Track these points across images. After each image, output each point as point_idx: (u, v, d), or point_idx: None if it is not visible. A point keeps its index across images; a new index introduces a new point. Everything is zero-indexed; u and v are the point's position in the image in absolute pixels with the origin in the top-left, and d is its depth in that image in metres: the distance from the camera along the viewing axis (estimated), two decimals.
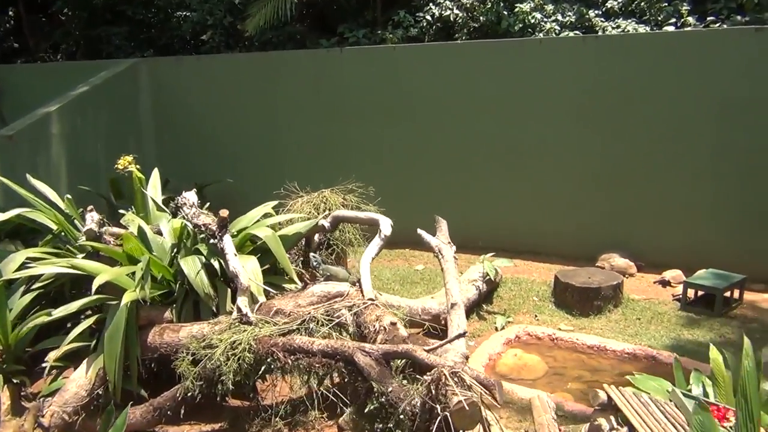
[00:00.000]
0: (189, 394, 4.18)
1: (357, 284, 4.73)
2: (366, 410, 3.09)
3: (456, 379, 2.73)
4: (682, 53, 6.94)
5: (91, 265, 4.84)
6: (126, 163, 5.67)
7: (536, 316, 6.17)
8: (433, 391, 2.73)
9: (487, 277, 6.32)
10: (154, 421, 4.35)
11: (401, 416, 2.89)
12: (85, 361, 4.48)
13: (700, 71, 6.88)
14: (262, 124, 9.23)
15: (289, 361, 3.78)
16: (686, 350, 5.32)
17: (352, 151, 8.75)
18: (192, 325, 4.56)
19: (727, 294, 6.11)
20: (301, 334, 4.19)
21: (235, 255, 4.58)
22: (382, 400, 3.03)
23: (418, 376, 3.31)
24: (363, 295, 4.54)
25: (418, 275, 7.34)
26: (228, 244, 4.61)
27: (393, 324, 4.05)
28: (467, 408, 2.64)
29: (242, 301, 4.43)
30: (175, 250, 5.12)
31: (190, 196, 5.59)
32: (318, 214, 6.23)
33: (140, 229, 5.26)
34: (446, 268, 4.60)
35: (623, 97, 7.28)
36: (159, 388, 4.55)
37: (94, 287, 4.28)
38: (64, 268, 4.82)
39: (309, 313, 4.33)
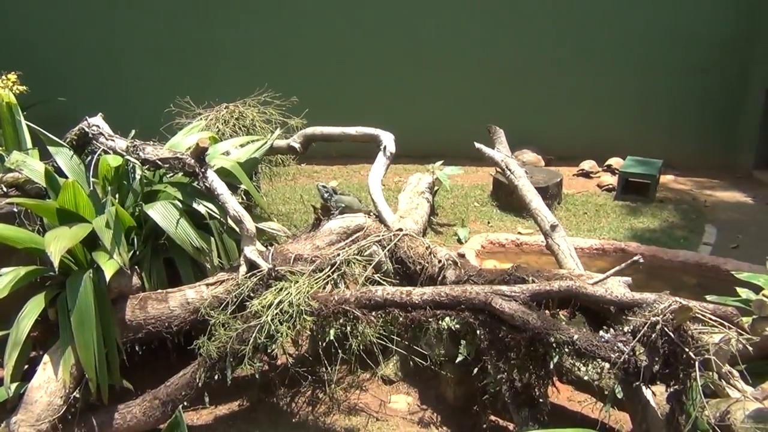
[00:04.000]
0: (215, 377, 3.38)
1: (371, 214, 4.14)
2: (551, 364, 2.70)
3: (687, 313, 2.45)
4: None
5: (10, 230, 3.61)
6: (10, 83, 4.22)
7: (488, 222, 6.09)
8: (671, 333, 2.43)
9: (435, 188, 6.02)
10: (164, 417, 3.49)
11: (606, 366, 2.57)
12: (45, 359, 3.41)
13: None
14: (95, 28, 7.60)
15: (372, 319, 3.18)
16: (644, 238, 5.63)
17: (222, 58, 7.65)
18: (183, 289, 3.68)
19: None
20: (336, 283, 3.59)
21: (231, 194, 3.70)
22: (567, 350, 2.66)
23: (562, 316, 2.99)
24: (387, 226, 4.00)
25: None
26: (217, 181, 3.71)
27: (462, 255, 3.63)
28: (725, 347, 2.41)
29: (252, 252, 3.65)
30: (117, 195, 4.00)
31: (101, 123, 4.42)
32: (235, 133, 5.38)
33: (47, 173, 4.03)
34: (521, 185, 4.19)
35: None
36: (131, 373, 3.66)
37: (55, 260, 3.16)
38: None
39: (338, 255, 3.69)
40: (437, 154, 7.09)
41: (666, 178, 7.10)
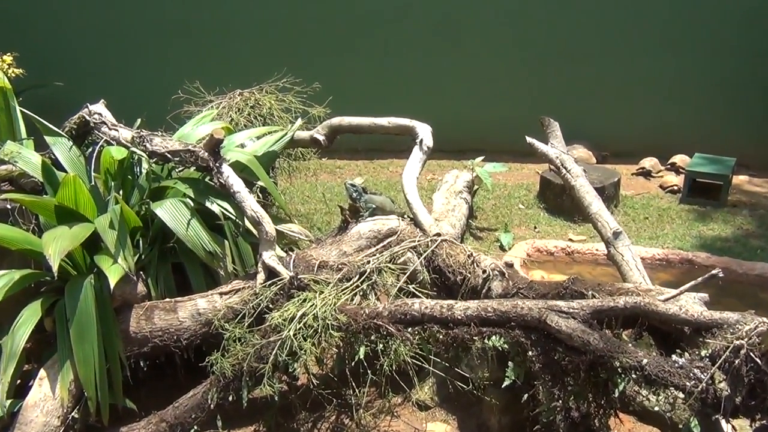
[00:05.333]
0: (229, 398, 3.39)
1: (405, 217, 4.13)
2: (616, 392, 2.66)
3: None
4: None
5: (3, 229, 3.66)
6: (5, 65, 4.27)
7: (535, 227, 6.04)
8: (758, 359, 2.38)
9: (474, 188, 5.99)
10: None
11: (679, 396, 2.52)
12: (41, 374, 3.45)
13: None
14: (96, 6, 7.69)
15: (408, 336, 3.16)
16: (714, 248, 5.54)
17: (236, 39, 7.70)
18: (194, 299, 3.71)
19: None
20: (366, 294, 3.58)
21: (250, 192, 3.71)
22: (634, 376, 2.62)
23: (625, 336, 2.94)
24: (424, 230, 3.97)
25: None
26: (233, 177, 3.72)
27: (510, 265, 3.60)
28: None
29: (271, 258, 3.65)
30: (121, 192, 4.03)
31: (103, 111, 4.46)
32: (250, 123, 5.40)
33: (45, 165, 4.06)
34: (579, 186, 4.14)
35: None
36: (135, 392, 3.67)
37: (54, 264, 3.18)
38: None
39: (368, 262, 3.68)
40: (476, 148, 7.03)
41: (739, 179, 6.98)
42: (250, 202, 3.67)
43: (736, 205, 6.41)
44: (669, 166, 7.26)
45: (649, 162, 7.23)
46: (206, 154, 3.75)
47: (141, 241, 3.91)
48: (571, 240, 5.73)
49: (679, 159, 7.20)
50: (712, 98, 7.29)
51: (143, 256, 3.87)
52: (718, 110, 7.30)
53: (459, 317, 3.08)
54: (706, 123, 7.31)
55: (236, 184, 3.71)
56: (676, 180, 6.82)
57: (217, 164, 3.74)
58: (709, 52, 7.17)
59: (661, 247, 5.52)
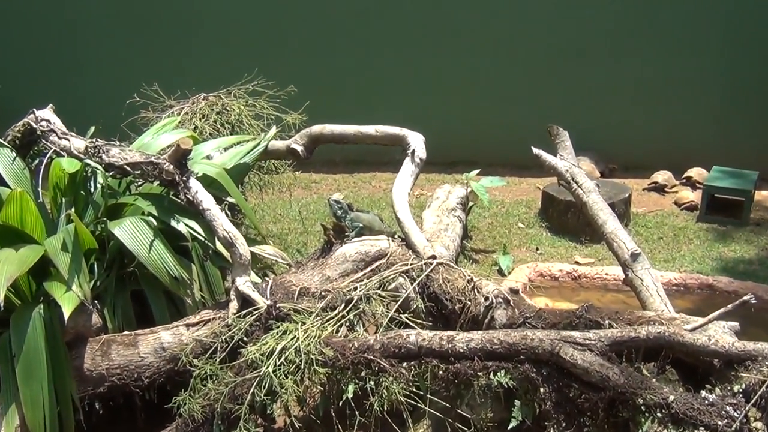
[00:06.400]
0: None
1: (395, 237, 4.15)
2: None
3: None
4: None
5: None
6: None
7: (537, 248, 6.07)
8: None
9: (470, 204, 6.02)
10: None
11: None
12: None
13: None
14: None
15: (403, 372, 3.17)
16: (737, 271, 5.61)
17: (200, 35, 7.75)
18: (157, 331, 3.68)
19: None
20: (353, 325, 3.59)
21: (221, 209, 3.72)
22: (659, 415, 2.64)
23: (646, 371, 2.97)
24: (417, 252, 3.99)
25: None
26: (202, 192, 3.72)
27: (515, 292, 3.62)
28: None
29: (245, 284, 3.65)
30: (72, 208, 4.01)
31: (52, 117, 4.47)
32: (216, 131, 5.41)
33: None
34: (592, 202, 4.14)
35: None
36: None
37: (1, 292, 3.16)
38: None
39: (354, 289, 3.70)
40: (469, 160, 7.09)
41: (762, 195, 7.06)
42: (222, 221, 3.67)
43: (759, 223, 6.50)
44: (684, 181, 7.35)
45: (662, 176, 7.32)
46: (171, 166, 3.75)
47: (96, 266, 3.89)
48: (577, 263, 5.76)
49: (696, 173, 7.29)
50: (732, 105, 7.41)
51: (99, 283, 3.84)
52: (738, 119, 7.41)
53: (461, 350, 3.10)
54: (725, 133, 7.42)
55: (206, 200, 3.71)
56: (692, 196, 6.90)
57: (184, 178, 3.75)
58: (727, 55, 7.30)
59: (677, 271, 5.57)
